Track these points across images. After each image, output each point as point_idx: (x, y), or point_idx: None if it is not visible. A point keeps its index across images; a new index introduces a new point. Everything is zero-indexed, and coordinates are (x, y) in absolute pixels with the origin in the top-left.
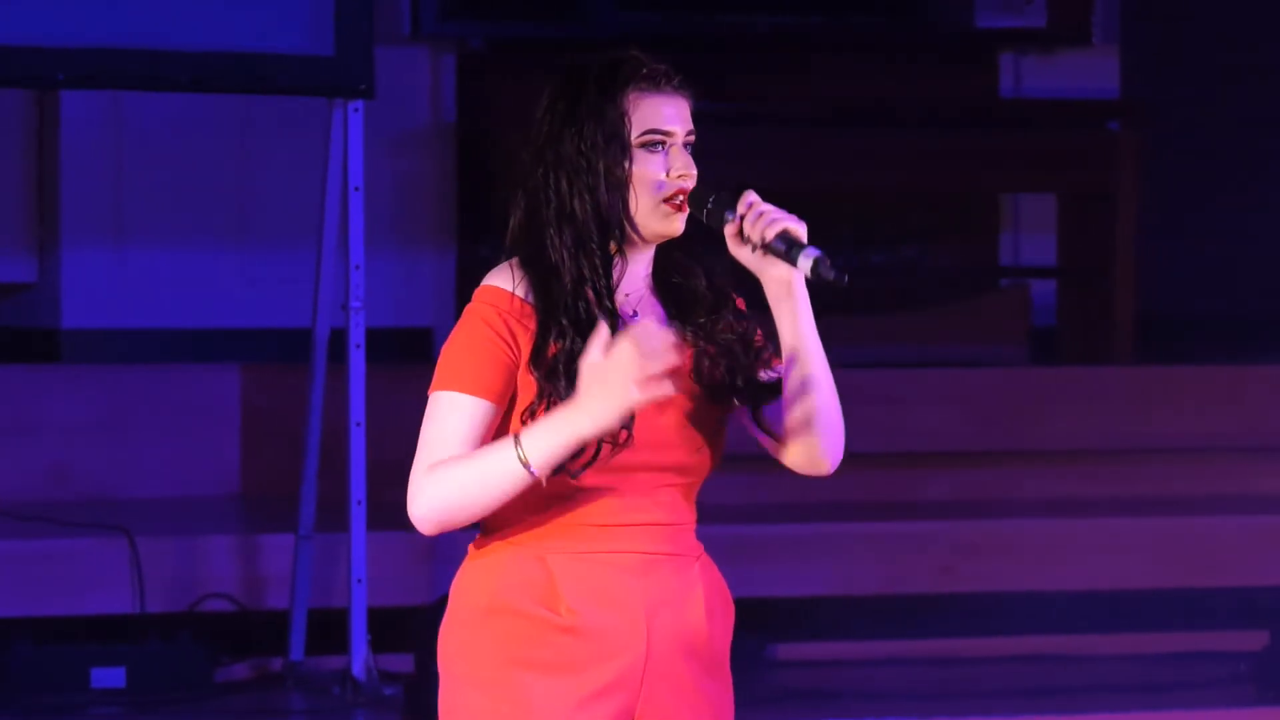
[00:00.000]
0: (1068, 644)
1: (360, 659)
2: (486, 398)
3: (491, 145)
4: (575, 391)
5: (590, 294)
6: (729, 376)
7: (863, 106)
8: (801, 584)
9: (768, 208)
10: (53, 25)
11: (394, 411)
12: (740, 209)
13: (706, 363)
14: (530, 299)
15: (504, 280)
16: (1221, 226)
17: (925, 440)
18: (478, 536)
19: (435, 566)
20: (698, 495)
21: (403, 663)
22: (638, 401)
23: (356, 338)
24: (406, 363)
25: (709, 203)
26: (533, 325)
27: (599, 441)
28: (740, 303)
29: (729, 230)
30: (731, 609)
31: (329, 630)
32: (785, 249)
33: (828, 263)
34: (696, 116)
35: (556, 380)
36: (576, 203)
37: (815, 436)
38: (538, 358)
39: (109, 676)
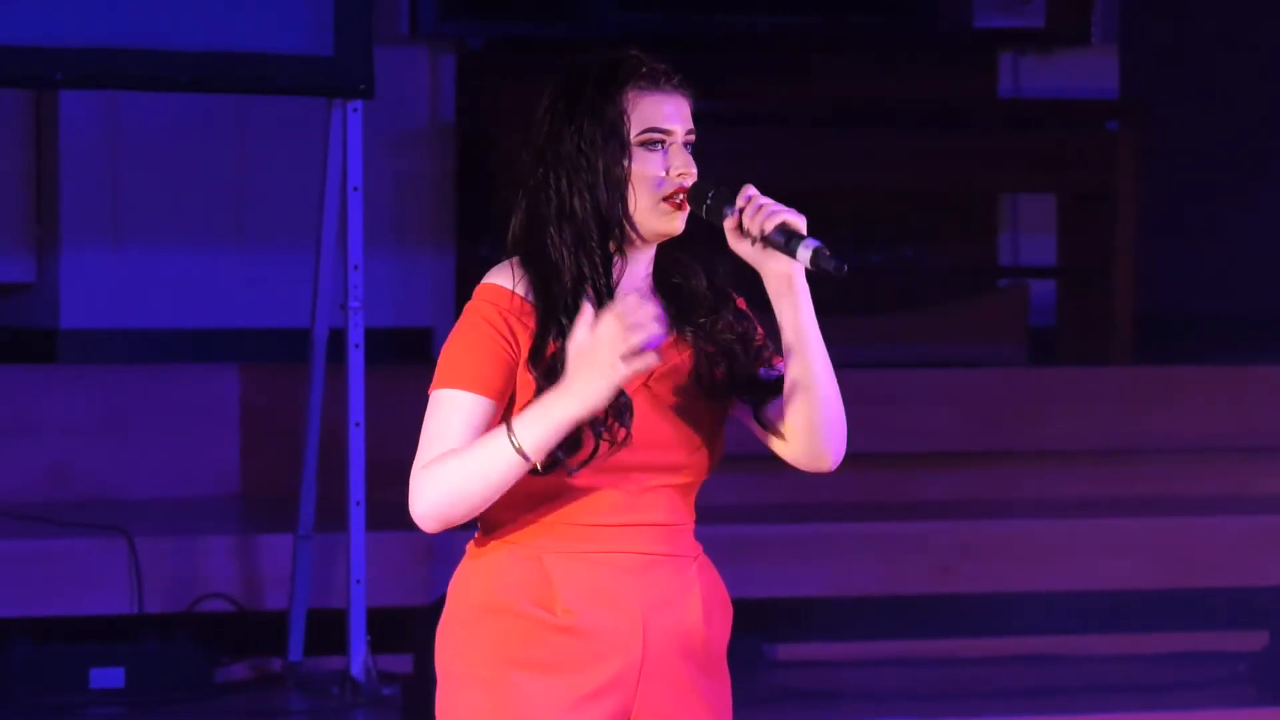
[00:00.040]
0: (1067, 644)
1: (359, 659)
2: (487, 395)
3: (491, 145)
4: (564, 374)
5: (590, 293)
6: (729, 376)
7: (862, 106)
8: (801, 584)
9: (767, 201)
10: (51, 25)
11: (393, 412)
12: (739, 202)
13: (706, 363)
14: (530, 297)
15: (504, 278)
16: (1221, 226)
17: (924, 440)
18: (476, 536)
19: (434, 567)
20: (697, 496)
21: (401, 663)
22: (625, 376)
23: (355, 338)
24: (405, 363)
25: (708, 198)
26: (532, 323)
27: (596, 440)
28: (741, 302)
29: (728, 224)
30: (729, 609)
31: (328, 630)
32: (784, 241)
33: (827, 253)
34: (696, 116)
35: (555, 379)
36: (576, 201)
37: (817, 431)
38: (536, 356)
39: (108, 677)
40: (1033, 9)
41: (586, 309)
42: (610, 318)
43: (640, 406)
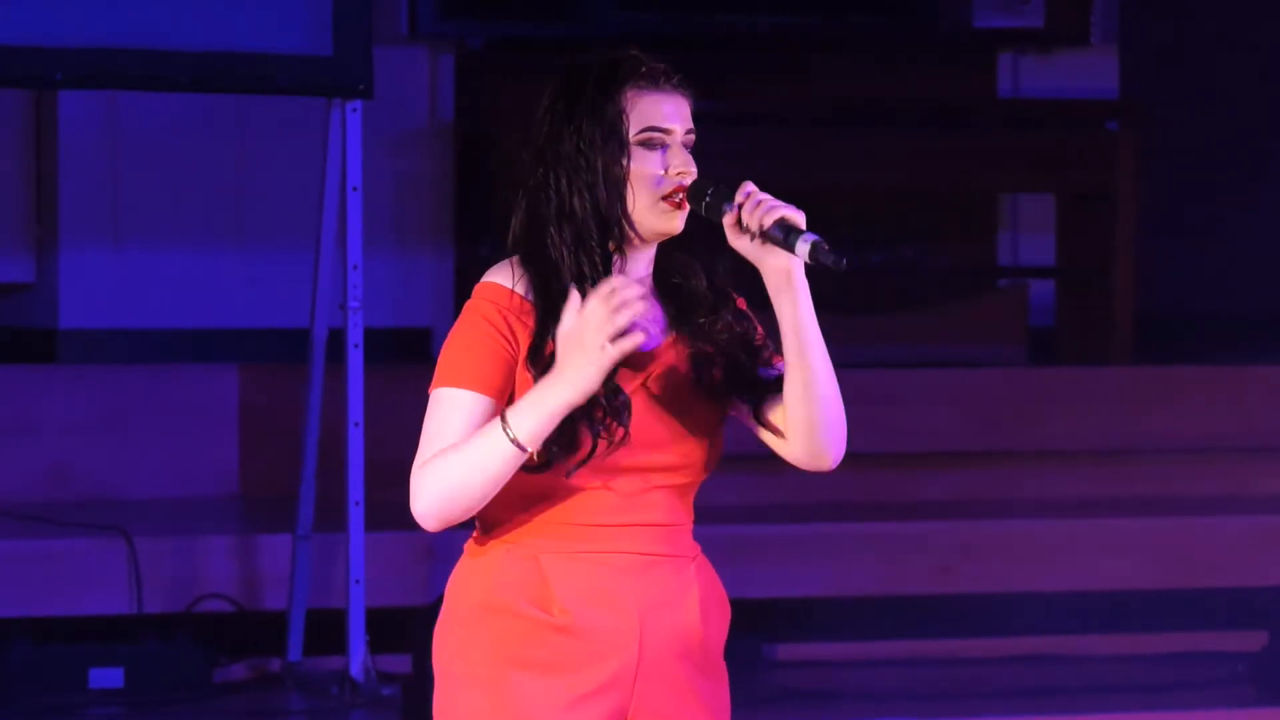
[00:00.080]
0: (1067, 644)
1: (358, 659)
2: (487, 393)
3: (490, 145)
4: (555, 362)
5: (590, 292)
6: (728, 377)
7: (862, 106)
8: (801, 584)
9: (765, 196)
10: (51, 25)
11: (392, 412)
12: (738, 198)
13: (705, 363)
14: (530, 296)
15: (504, 277)
16: (1221, 226)
17: (924, 440)
18: (474, 535)
19: (433, 567)
20: (697, 496)
21: (401, 663)
22: (614, 357)
23: (355, 338)
24: (405, 363)
25: (707, 195)
26: (531, 322)
27: (594, 439)
28: (741, 303)
29: (728, 220)
30: (728, 610)
31: (327, 630)
32: (783, 236)
33: (826, 247)
34: (696, 116)
35: None
36: (576, 201)
37: (817, 430)
38: (535, 355)
39: (107, 677)
40: (1032, 9)
41: (574, 296)
42: (595, 301)
43: (638, 406)
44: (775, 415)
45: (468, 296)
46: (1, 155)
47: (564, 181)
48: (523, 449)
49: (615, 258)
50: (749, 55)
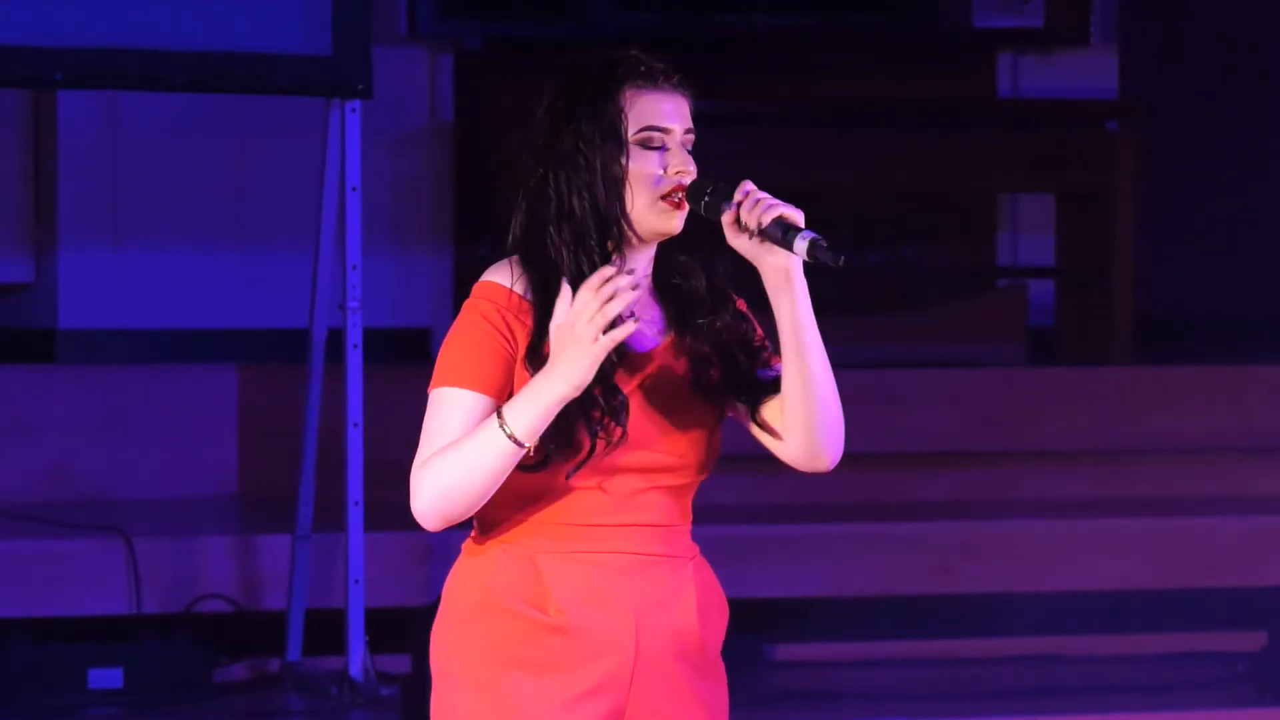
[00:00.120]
0: (1067, 644)
1: (357, 659)
2: (486, 392)
3: (489, 145)
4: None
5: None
6: (726, 378)
7: (862, 106)
8: (800, 585)
9: (764, 195)
10: (50, 25)
11: (392, 412)
12: (737, 197)
13: (703, 364)
14: (528, 295)
15: (502, 276)
16: (1221, 226)
17: (924, 440)
18: (471, 535)
19: (432, 567)
20: (696, 496)
21: (400, 663)
22: (605, 348)
23: (354, 338)
24: (404, 363)
25: (706, 194)
26: (530, 321)
27: (592, 439)
28: (741, 304)
29: (726, 219)
30: (725, 610)
31: (326, 631)
32: (781, 234)
33: (824, 244)
34: (696, 116)
35: None
36: (575, 200)
37: (814, 430)
38: (534, 353)
39: (106, 677)
40: (1032, 9)
41: (565, 290)
42: (586, 292)
43: (636, 407)
44: (772, 416)
45: (467, 296)
46: (1, 155)
47: (563, 181)
48: (520, 445)
49: (614, 257)
50: (749, 55)
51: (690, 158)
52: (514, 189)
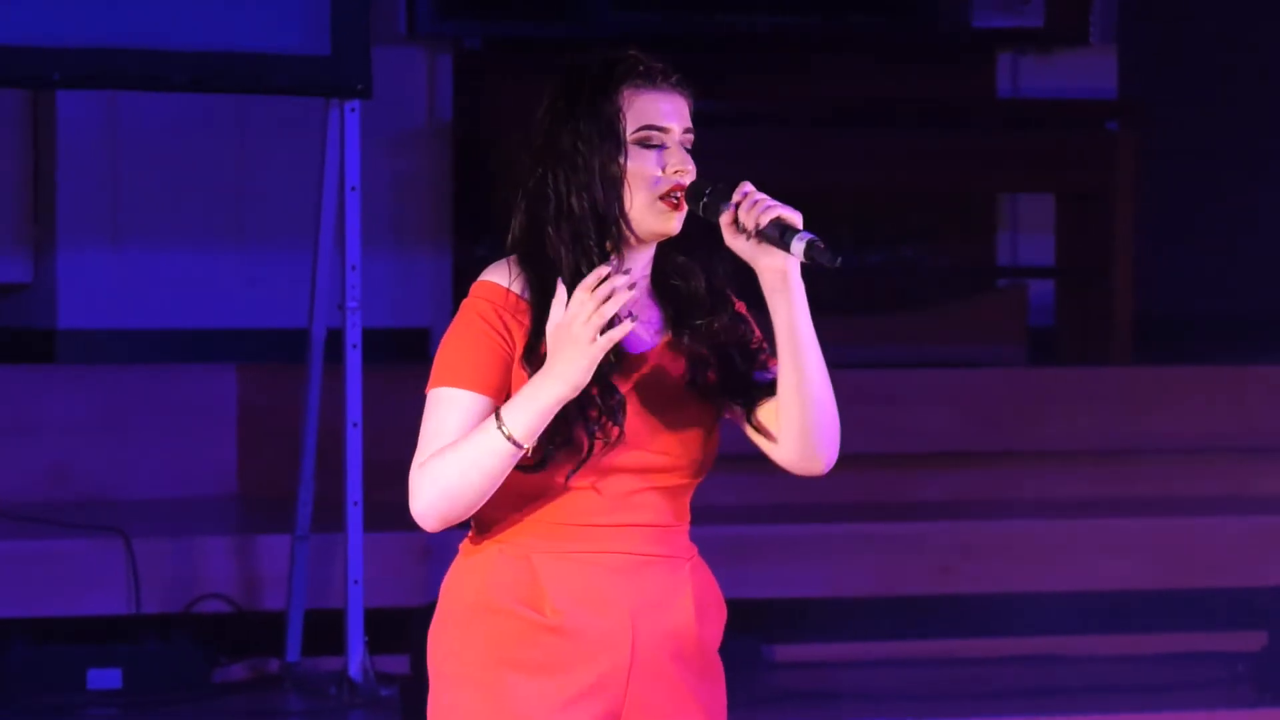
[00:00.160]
0: (1067, 644)
1: (357, 660)
2: (484, 392)
3: (488, 145)
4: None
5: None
6: (723, 379)
7: (862, 106)
8: (800, 585)
9: (762, 196)
10: (49, 25)
11: (391, 412)
12: (736, 197)
13: (701, 365)
14: (526, 295)
15: (500, 276)
16: (1221, 226)
17: (923, 441)
18: (468, 535)
19: (431, 567)
20: (695, 496)
21: (399, 664)
22: (602, 348)
23: (353, 338)
24: (403, 363)
25: (705, 195)
26: (527, 320)
27: (590, 439)
28: (740, 306)
29: (724, 220)
30: (723, 611)
31: (325, 631)
32: (779, 235)
33: (821, 245)
34: (696, 116)
35: None
36: (574, 200)
37: (809, 433)
38: (531, 353)
39: (105, 677)
40: (1032, 9)
41: (561, 291)
42: (582, 293)
43: (633, 407)
44: (768, 418)
45: (466, 297)
46: (0, 155)
47: (561, 181)
48: (518, 446)
49: (612, 257)
50: (749, 55)
51: (689, 157)
52: (513, 189)
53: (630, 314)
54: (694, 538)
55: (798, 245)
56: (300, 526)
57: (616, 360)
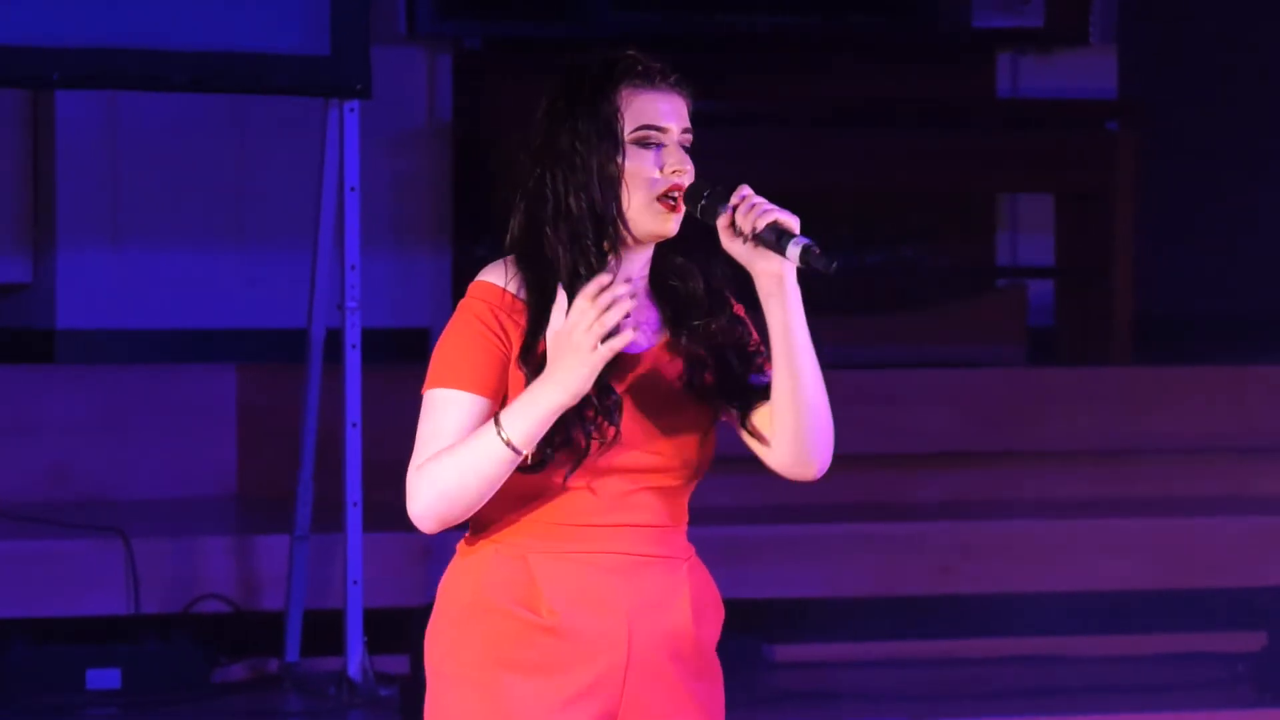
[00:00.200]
0: (1067, 644)
1: (356, 660)
2: (481, 393)
3: (488, 145)
4: (546, 363)
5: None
6: (719, 381)
7: (862, 106)
8: (799, 585)
9: (760, 200)
10: (48, 25)
11: (390, 412)
12: (733, 200)
13: (698, 367)
14: (522, 294)
15: (497, 276)
16: (1221, 226)
17: (923, 441)
18: (465, 535)
19: (431, 567)
20: (694, 497)
21: (398, 664)
22: (604, 357)
23: (353, 338)
24: (403, 363)
25: (703, 197)
26: (524, 320)
27: (586, 439)
28: (739, 309)
29: (721, 223)
30: (721, 611)
31: (325, 631)
32: (775, 239)
33: (817, 250)
34: (696, 117)
35: None
36: (572, 200)
37: (803, 438)
38: (527, 353)
39: (104, 677)
40: (1031, 9)
41: (561, 297)
42: (583, 301)
43: (629, 407)
44: (762, 422)
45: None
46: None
47: (560, 181)
48: (517, 452)
49: (609, 257)
50: (749, 55)
51: (687, 157)
52: (513, 189)
53: (634, 325)
54: (693, 538)
55: (793, 250)
56: (300, 527)
57: (613, 360)
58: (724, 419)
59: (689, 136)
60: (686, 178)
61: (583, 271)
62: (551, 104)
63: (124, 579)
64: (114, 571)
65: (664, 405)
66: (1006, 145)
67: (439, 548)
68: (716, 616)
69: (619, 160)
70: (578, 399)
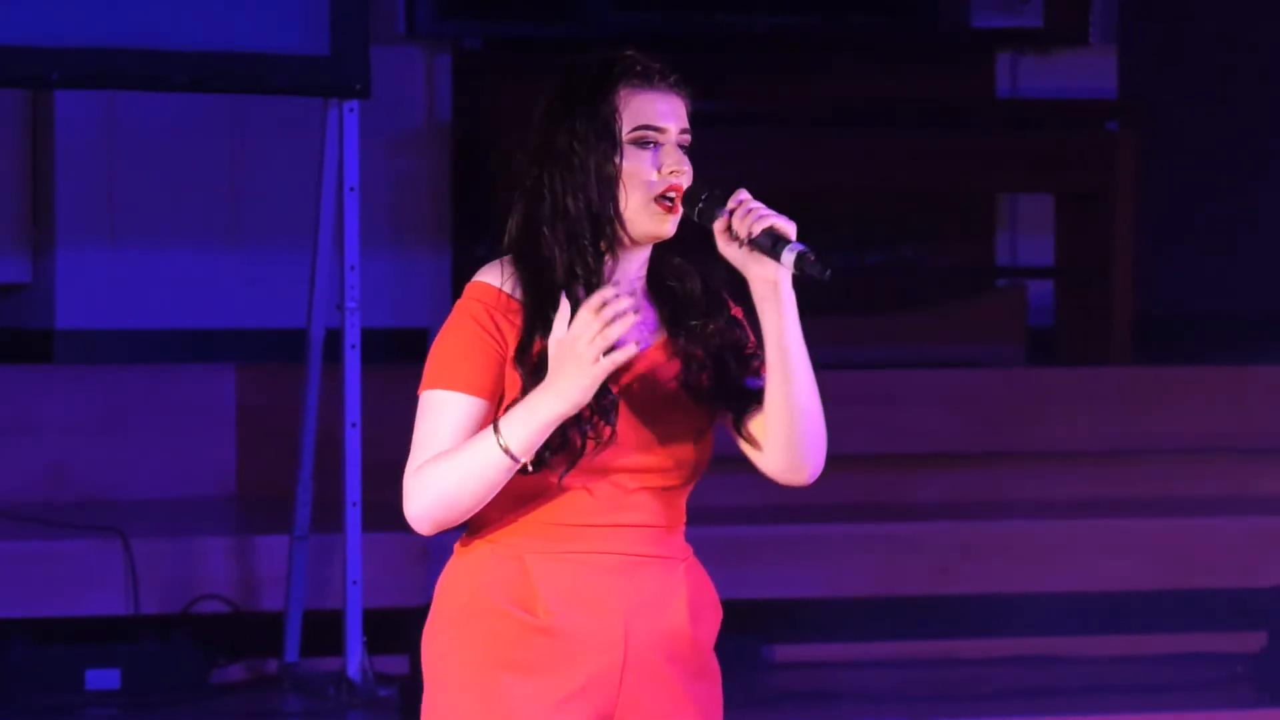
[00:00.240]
0: (1067, 644)
1: (355, 660)
2: (477, 394)
3: (488, 145)
4: (546, 369)
5: (581, 292)
6: (715, 383)
7: (862, 106)
8: (798, 585)
9: (757, 205)
10: (48, 25)
11: (389, 412)
12: (730, 204)
13: (695, 368)
14: (518, 295)
15: (493, 276)
16: (1221, 226)
17: (923, 441)
18: (463, 536)
19: (430, 568)
20: (693, 498)
21: (398, 664)
22: (605, 370)
23: (352, 338)
24: (402, 363)
25: (701, 200)
26: (519, 321)
27: (582, 439)
28: (737, 311)
29: (718, 227)
30: (719, 612)
31: (324, 631)
32: (770, 244)
33: (812, 257)
34: (696, 117)
35: (541, 376)
36: (569, 200)
37: (795, 443)
38: (523, 354)
39: (104, 678)
40: (1031, 9)
41: (564, 306)
42: (587, 313)
43: (626, 407)
44: (756, 426)
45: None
46: None
47: (558, 181)
48: (515, 459)
49: (606, 258)
50: (749, 55)
51: (685, 158)
52: (512, 190)
53: (637, 341)
54: (693, 538)
55: (788, 256)
56: (299, 527)
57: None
58: (719, 422)
59: (687, 137)
60: (684, 178)
61: (579, 272)
62: (550, 104)
63: (123, 579)
64: (113, 572)
65: (661, 406)
66: (1006, 145)
67: (438, 548)
68: (714, 617)
69: (616, 160)
70: (578, 409)
